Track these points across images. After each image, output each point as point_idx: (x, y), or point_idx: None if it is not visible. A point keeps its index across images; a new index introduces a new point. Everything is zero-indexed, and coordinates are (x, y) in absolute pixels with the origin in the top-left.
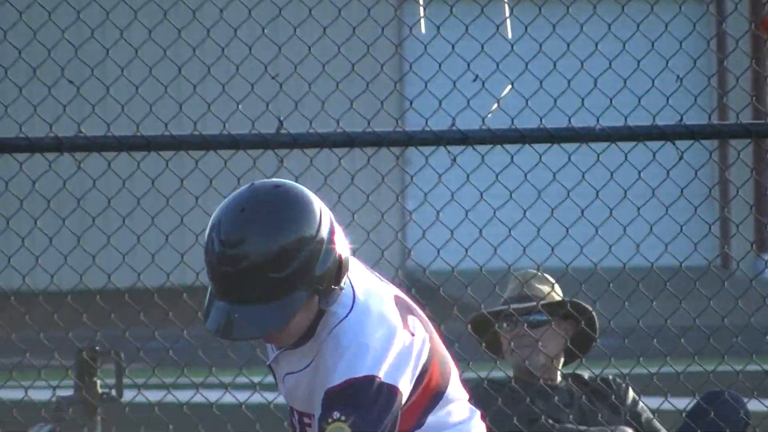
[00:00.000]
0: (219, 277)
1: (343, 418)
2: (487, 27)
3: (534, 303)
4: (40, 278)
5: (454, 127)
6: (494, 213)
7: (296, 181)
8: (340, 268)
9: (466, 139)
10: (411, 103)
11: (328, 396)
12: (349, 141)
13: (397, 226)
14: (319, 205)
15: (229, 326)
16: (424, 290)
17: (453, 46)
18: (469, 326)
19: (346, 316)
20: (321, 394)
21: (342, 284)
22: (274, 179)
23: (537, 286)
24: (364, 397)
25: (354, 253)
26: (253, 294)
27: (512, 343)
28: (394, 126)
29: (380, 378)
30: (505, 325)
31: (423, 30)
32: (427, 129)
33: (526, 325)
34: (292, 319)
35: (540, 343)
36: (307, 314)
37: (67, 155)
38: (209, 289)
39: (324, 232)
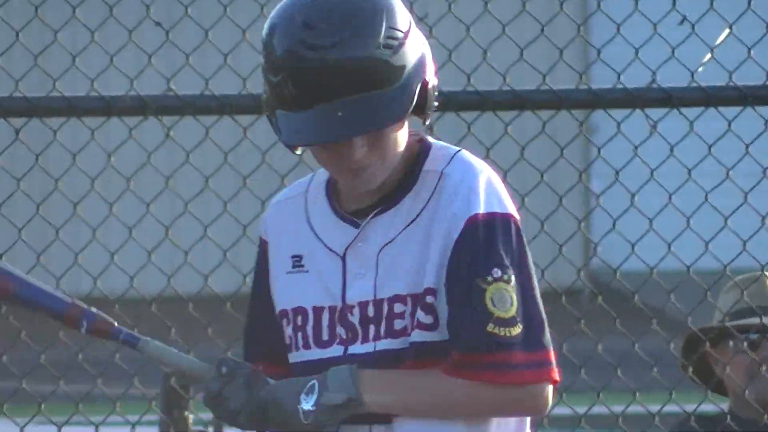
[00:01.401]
0: (311, 67)
1: (505, 277)
2: None
3: None
4: (115, 281)
5: (654, 85)
6: (705, 197)
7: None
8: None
9: (669, 99)
10: (599, 52)
11: (473, 229)
12: (519, 102)
13: (579, 213)
14: None
15: (333, 126)
16: (613, 296)
17: None
18: (680, 345)
19: (458, 151)
20: (448, 240)
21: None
22: None
23: None
24: (518, 245)
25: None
26: (359, 80)
27: (746, 369)
28: (577, 83)
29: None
30: (731, 344)
31: None
32: (620, 86)
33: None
34: (408, 111)
35: None
36: (403, 138)
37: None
38: (270, 107)
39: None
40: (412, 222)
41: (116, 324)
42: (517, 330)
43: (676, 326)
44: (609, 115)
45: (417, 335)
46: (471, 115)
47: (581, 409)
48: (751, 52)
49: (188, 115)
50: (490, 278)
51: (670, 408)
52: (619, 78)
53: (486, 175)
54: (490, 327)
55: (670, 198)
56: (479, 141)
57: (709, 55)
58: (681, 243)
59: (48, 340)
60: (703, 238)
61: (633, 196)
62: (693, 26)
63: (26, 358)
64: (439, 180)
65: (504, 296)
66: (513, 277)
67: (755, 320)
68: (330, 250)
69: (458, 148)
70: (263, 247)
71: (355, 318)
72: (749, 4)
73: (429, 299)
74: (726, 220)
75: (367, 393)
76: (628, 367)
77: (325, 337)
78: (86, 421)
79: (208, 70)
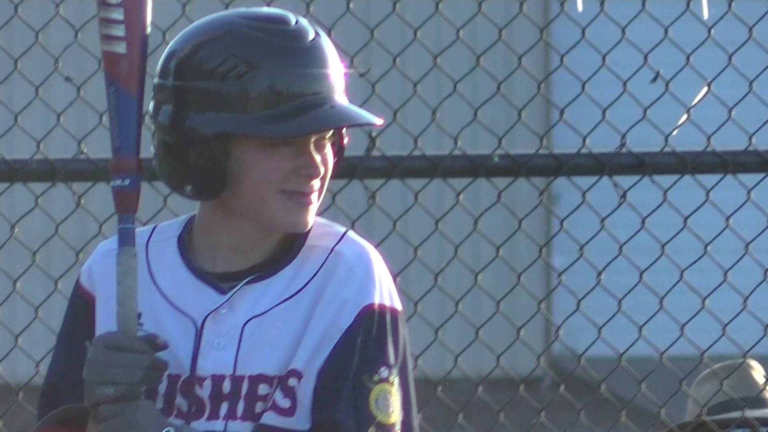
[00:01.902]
0: (328, 68)
1: (391, 378)
2: (673, 4)
3: None
4: (20, 366)
5: (624, 149)
6: (681, 275)
7: (394, 227)
8: None
9: (641, 165)
10: (562, 113)
11: (367, 321)
12: (472, 168)
13: (540, 293)
14: None
15: (357, 114)
16: (577, 385)
17: (623, 31)
18: None
19: (347, 230)
20: (332, 328)
21: None
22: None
23: (758, 381)
24: (404, 347)
25: (481, 326)
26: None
27: None
28: (537, 147)
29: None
30: None
31: (580, 7)
32: (585, 151)
33: None
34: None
35: None
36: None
37: None
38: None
39: None
40: (290, 298)
41: None
42: None
43: (648, 418)
44: (573, 182)
45: (268, 418)
46: (419, 183)
47: None
48: (732, 112)
49: (101, 181)
50: (376, 377)
51: None
52: (584, 141)
53: (379, 261)
54: (371, 430)
55: (641, 276)
56: (427, 211)
57: (685, 117)
58: (653, 326)
59: None
60: (677, 320)
61: (599, 273)
62: (667, 84)
63: None
64: (328, 257)
65: (387, 399)
66: (397, 379)
67: (737, 414)
68: (182, 313)
69: (344, 228)
70: (86, 300)
71: (204, 392)
72: (730, 60)
73: (292, 382)
74: (703, 300)
75: None
76: None
77: (159, 405)
78: None
79: None
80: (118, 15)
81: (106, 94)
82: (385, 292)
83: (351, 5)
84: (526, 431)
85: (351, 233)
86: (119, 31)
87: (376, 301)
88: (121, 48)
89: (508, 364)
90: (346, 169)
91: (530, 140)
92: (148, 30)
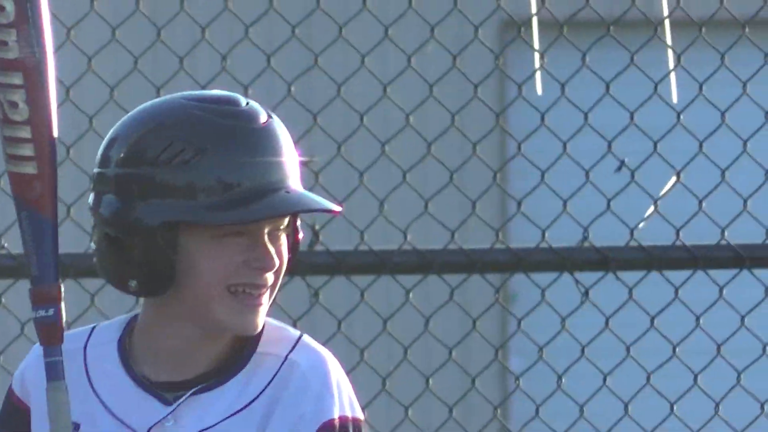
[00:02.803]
0: (282, 154)
1: None
2: (638, 88)
3: None
4: None
5: (586, 243)
6: (647, 379)
7: (339, 328)
8: None
9: (605, 261)
10: (519, 205)
11: None
12: (423, 264)
13: (495, 399)
14: None
15: (314, 200)
16: None
17: (585, 116)
18: None
19: (301, 335)
20: None
21: None
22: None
23: None
24: None
25: None
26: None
27: None
28: (493, 241)
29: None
30: None
31: (539, 90)
32: (545, 245)
33: None
34: None
35: None
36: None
37: None
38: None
39: None
40: (240, 410)
41: None
42: None
43: None
44: (532, 279)
45: None
46: (365, 279)
47: None
48: (703, 204)
49: (23, 278)
50: None
51: None
52: (544, 235)
53: (337, 368)
54: None
55: (604, 380)
56: (375, 311)
57: (652, 208)
58: None
59: None
60: (643, 428)
61: (560, 377)
62: (633, 173)
63: None
64: (281, 367)
65: None
66: None
67: None
68: (123, 424)
69: (299, 332)
70: (21, 410)
71: None
72: (700, 147)
73: None
74: (672, 406)
75: None
76: None
77: None
78: None
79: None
80: (25, 133)
81: (17, 219)
82: (345, 402)
83: (292, 89)
84: None
85: (305, 338)
86: (28, 151)
87: (336, 415)
88: (31, 168)
89: None
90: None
91: (485, 234)
92: (56, 147)
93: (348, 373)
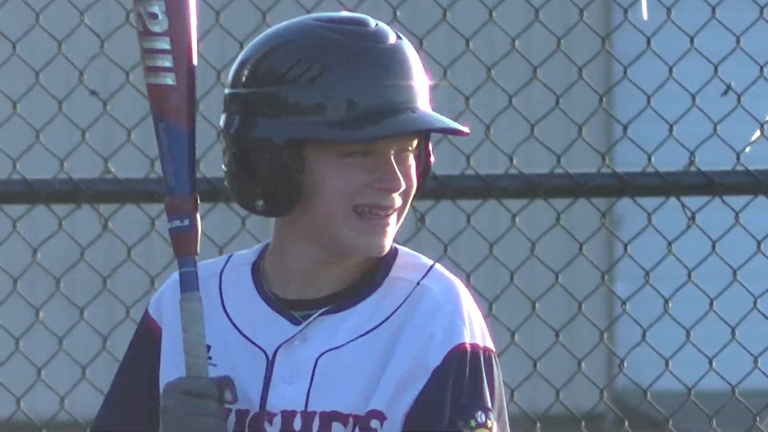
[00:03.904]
0: (410, 75)
1: (489, 423)
2: (745, 11)
3: None
4: (42, 402)
5: (692, 168)
6: (754, 303)
7: (445, 252)
8: None
9: (711, 185)
10: (625, 129)
11: (457, 363)
12: (529, 188)
13: (601, 322)
14: None
15: (443, 120)
16: (643, 422)
17: (692, 40)
18: None
19: (434, 263)
20: (417, 367)
21: None
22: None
23: None
24: (499, 387)
25: (539, 359)
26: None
27: None
28: (599, 166)
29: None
30: None
31: (645, 15)
32: (651, 170)
33: None
34: None
35: None
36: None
37: None
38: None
39: None
40: (369, 332)
41: None
42: None
43: None
44: (638, 204)
45: None
46: (471, 204)
47: None
48: None
49: (129, 203)
50: (473, 423)
51: None
52: (650, 160)
53: (468, 298)
54: None
55: (711, 304)
56: (481, 235)
57: (758, 133)
58: (724, 358)
59: None
60: (750, 352)
61: (666, 302)
62: (739, 97)
63: None
64: (413, 291)
65: None
66: (495, 425)
67: None
68: (253, 344)
69: (432, 261)
70: (152, 331)
71: (274, 428)
72: None
73: (374, 424)
74: None
75: None
76: None
77: None
78: None
79: (152, 148)
80: (164, 44)
81: (154, 130)
82: (477, 330)
83: (398, 13)
84: None
85: (438, 266)
86: (166, 62)
87: (467, 340)
88: (169, 80)
89: (567, 399)
90: None
91: (591, 158)
92: (196, 60)
93: None
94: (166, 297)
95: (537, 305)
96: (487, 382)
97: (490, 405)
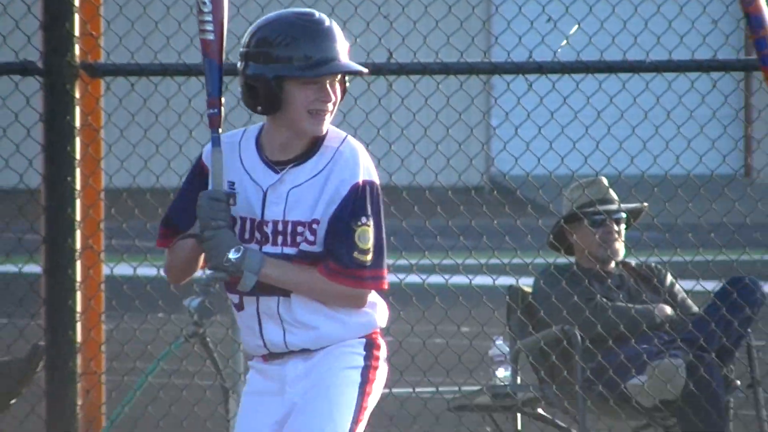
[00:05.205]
0: (336, 38)
1: (368, 223)
2: None
3: (617, 206)
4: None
5: (531, 59)
6: (562, 130)
7: (402, 102)
8: None
9: (540, 69)
10: (496, 39)
11: (354, 191)
12: (446, 69)
13: (483, 140)
14: None
15: (352, 65)
16: (504, 192)
17: None
18: (562, 222)
19: (347, 136)
20: (335, 194)
21: None
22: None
23: (611, 191)
24: (377, 203)
25: (448, 161)
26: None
27: (598, 237)
28: (483, 57)
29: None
30: (585, 222)
31: None
32: (510, 61)
33: (614, 222)
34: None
35: (619, 236)
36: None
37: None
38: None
39: None
40: (314, 177)
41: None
42: (369, 257)
43: (542, 210)
44: (502, 78)
45: (303, 246)
46: (415, 78)
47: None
48: (591, 39)
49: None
50: (359, 223)
51: (539, 260)
52: (509, 55)
53: (364, 153)
54: (355, 254)
55: (539, 130)
56: (421, 93)
57: (565, 41)
58: (547, 158)
59: None
60: (559, 154)
61: (516, 129)
62: (555, 23)
63: None
64: (335, 153)
65: (365, 235)
66: (372, 224)
67: (601, 208)
68: (256, 183)
69: (345, 133)
70: (203, 170)
71: (269, 229)
72: (590, 9)
73: (315, 226)
74: (574, 144)
75: (269, 268)
76: (515, 238)
77: (246, 236)
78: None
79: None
80: (209, 17)
81: (203, 64)
82: (367, 172)
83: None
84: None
85: (349, 137)
86: (210, 27)
87: (360, 179)
88: (210, 36)
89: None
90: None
91: (478, 53)
92: (225, 26)
93: None
94: (206, 150)
95: None
96: (369, 201)
97: (369, 213)
